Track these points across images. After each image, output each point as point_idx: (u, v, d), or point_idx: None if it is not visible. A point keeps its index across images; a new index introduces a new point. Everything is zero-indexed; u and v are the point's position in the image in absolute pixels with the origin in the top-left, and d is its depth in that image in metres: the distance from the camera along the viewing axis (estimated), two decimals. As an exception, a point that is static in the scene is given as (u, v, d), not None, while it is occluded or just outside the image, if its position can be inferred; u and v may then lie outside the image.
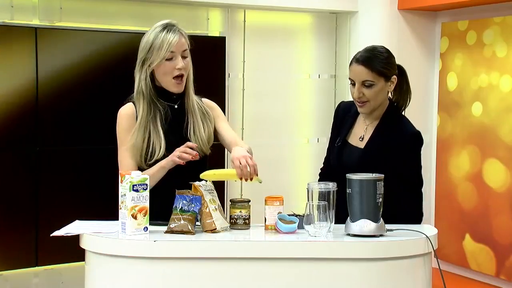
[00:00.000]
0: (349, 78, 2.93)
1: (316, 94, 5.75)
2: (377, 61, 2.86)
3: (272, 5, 5.31)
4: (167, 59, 2.82)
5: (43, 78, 4.50)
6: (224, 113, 5.20)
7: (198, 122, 2.94)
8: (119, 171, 2.80)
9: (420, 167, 2.95)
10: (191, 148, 2.74)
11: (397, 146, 2.87)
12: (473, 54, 5.20)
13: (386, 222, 2.62)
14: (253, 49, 5.46)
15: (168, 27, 2.84)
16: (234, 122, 5.39)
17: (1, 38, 4.40)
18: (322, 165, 3.19)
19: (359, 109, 2.95)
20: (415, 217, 2.90)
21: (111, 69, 4.61)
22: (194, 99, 2.97)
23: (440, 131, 5.50)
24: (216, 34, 5.33)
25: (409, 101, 3.02)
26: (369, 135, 2.95)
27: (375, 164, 2.82)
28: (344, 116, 3.05)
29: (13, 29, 4.47)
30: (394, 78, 2.92)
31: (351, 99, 3.04)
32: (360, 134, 2.97)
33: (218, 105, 5.44)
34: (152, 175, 2.73)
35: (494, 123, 5.03)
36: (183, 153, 2.73)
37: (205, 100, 3.05)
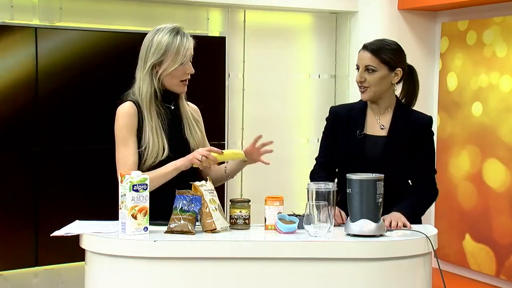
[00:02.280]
0: (356, 65, 3.01)
1: (316, 94, 5.75)
2: (383, 49, 2.97)
3: (272, 5, 5.31)
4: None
5: (43, 78, 4.50)
6: (224, 113, 5.27)
7: (192, 123, 2.96)
8: (119, 170, 2.81)
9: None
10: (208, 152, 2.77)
11: (418, 130, 3.00)
12: (473, 54, 5.20)
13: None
14: (253, 49, 5.46)
15: (180, 32, 2.85)
16: (234, 122, 5.39)
17: (1, 38, 4.40)
18: (316, 166, 3.13)
19: (361, 95, 3.01)
20: (435, 194, 3.06)
21: (111, 69, 4.61)
22: (185, 101, 3.00)
23: (440, 131, 5.50)
24: (216, 34, 5.33)
25: (415, 102, 3.14)
26: (388, 124, 2.99)
27: (399, 150, 2.94)
28: (348, 116, 3.05)
29: (13, 29, 4.47)
30: (400, 71, 2.99)
31: (343, 102, 3.12)
32: (375, 124, 3.01)
33: (218, 105, 5.47)
34: (164, 175, 2.76)
35: (494, 123, 5.02)
36: (204, 157, 2.74)
37: (190, 103, 3.05)
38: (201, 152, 2.76)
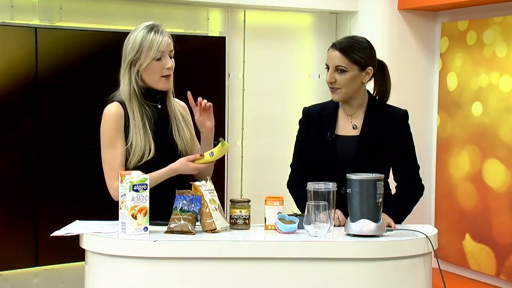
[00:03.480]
0: (325, 64, 2.94)
1: (316, 94, 5.74)
2: (353, 49, 2.87)
3: (272, 5, 5.31)
4: (156, 59, 2.84)
5: (43, 78, 4.50)
6: (224, 113, 5.26)
7: (180, 123, 2.97)
8: (106, 172, 2.82)
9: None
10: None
11: (394, 125, 2.93)
12: (473, 54, 5.20)
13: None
14: (253, 49, 5.46)
15: (154, 28, 2.86)
16: (234, 122, 5.39)
17: (1, 38, 4.40)
18: (292, 174, 3.08)
19: (332, 96, 2.95)
20: (422, 189, 3.00)
21: (111, 69, 4.59)
22: (173, 100, 2.99)
23: (440, 131, 5.50)
24: (216, 34, 5.33)
25: (387, 98, 3.03)
26: (360, 123, 2.94)
27: (372, 149, 2.88)
28: (320, 117, 3.00)
29: (13, 29, 4.47)
30: (370, 69, 2.91)
31: (316, 103, 3.08)
32: (347, 125, 2.96)
33: (218, 105, 5.45)
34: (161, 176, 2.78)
35: (494, 123, 5.03)
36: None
37: (177, 100, 3.05)
38: (193, 167, 2.79)
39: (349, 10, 5.59)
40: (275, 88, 5.61)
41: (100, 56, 4.69)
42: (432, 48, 5.65)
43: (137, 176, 2.55)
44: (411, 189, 2.98)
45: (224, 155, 2.96)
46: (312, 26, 5.77)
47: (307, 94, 5.75)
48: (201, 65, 4.95)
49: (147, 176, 2.58)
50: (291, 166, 3.10)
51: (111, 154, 2.82)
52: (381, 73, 3.00)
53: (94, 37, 4.71)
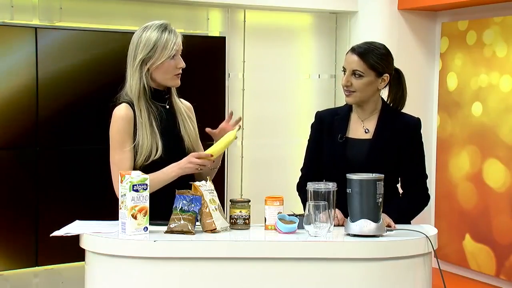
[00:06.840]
0: (342, 67, 2.95)
1: (316, 94, 5.75)
2: (372, 54, 2.87)
3: (272, 5, 5.31)
4: (170, 58, 2.86)
5: (43, 78, 4.50)
6: (224, 113, 5.26)
7: (186, 120, 2.98)
8: (114, 174, 2.81)
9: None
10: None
11: (406, 132, 2.94)
12: (473, 54, 5.20)
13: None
14: (253, 49, 5.46)
15: (168, 28, 2.88)
16: (234, 122, 5.39)
17: (1, 38, 4.40)
18: (302, 178, 3.07)
19: (346, 99, 2.94)
20: (427, 199, 3.00)
21: (111, 69, 4.60)
22: (177, 99, 3.01)
23: (440, 131, 5.50)
24: (216, 34, 5.33)
25: (402, 107, 3.03)
26: (373, 127, 2.94)
27: (383, 153, 2.87)
28: (332, 121, 3.00)
29: (13, 29, 4.47)
30: (387, 76, 2.91)
31: (327, 108, 3.07)
32: (359, 128, 2.96)
33: (218, 105, 5.46)
34: (164, 181, 2.80)
35: (494, 123, 5.03)
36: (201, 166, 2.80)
37: (183, 100, 3.06)
38: (197, 162, 2.79)
39: (349, 10, 5.59)
40: (275, 88, 5.61)
41: (100, 56, 4.69)
42: (432, 48, 5.65)
43: (137, 176, 2.55)
44: (415, 196, 2.96)
45: (224, 153, 2.95)
46: (312, 26, 5.77)
47: (307, 94, 5.75)
48: (201, 65, 4.95)
49: (147, 176, 2.58)
50: (301, 170, 3.10)
51: (120, 155, 2.82)
52: (398, 81, 3.00)
53: (94, 37, 4.70)
